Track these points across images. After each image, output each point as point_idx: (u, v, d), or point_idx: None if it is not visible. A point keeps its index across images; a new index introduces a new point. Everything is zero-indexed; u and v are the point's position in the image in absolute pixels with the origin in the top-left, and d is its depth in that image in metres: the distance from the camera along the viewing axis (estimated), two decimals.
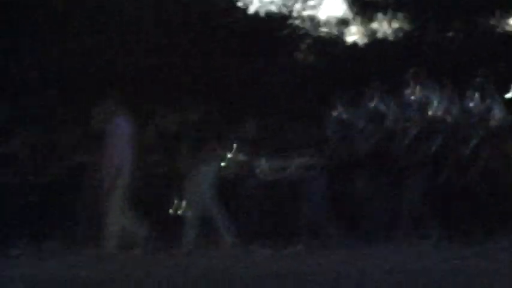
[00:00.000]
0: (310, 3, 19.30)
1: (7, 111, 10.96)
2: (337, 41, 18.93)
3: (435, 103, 9.73)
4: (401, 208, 9.77)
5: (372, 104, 10.02)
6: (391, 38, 18.40)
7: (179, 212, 9.63)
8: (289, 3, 19.17)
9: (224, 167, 10.06)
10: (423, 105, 9.82)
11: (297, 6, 19.25)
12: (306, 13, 19.32)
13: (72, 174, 10.29)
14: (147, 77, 15.96)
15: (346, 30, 19.20)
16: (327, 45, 18.77)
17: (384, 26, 18.73)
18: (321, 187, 10.24)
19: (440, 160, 9.74)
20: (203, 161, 9.42)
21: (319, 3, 19.26)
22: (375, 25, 18.85)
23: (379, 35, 18.68)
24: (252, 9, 19.40)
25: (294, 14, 19.26)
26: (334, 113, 10.43)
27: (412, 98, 9.88)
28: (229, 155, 10.18)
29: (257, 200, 10.07)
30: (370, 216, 10.01)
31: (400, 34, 18.25)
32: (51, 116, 11.80)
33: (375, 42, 18.38)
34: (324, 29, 19.25)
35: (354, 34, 19.16)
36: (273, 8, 19.31)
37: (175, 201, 9.76)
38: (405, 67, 11.05)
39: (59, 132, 11.16)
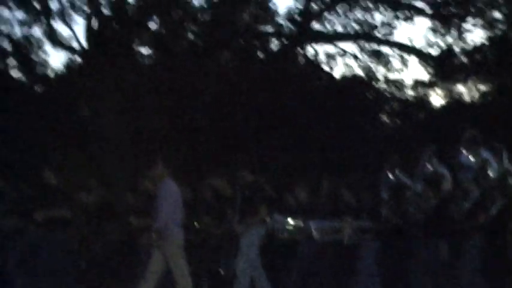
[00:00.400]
0: (395, 66, 19.83)
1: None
2: (421, 103, 19.48)
3: (494, 166, 9.46)
4: (459, 276, 9.44)
5: (430, 167, 9.80)
6: (474, 100, 18.60)
7: (230, 274, 9.49)
8: (374, 66, 19.82)
9: (277, 229, 9.94)
10: (481, 168, 9.50)
11: (382, 69, 19.81)
12: (391, 76, 19.90)
13: (128, 237, 10.45)
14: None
15: (430, 93, 19.77)
16: (411, 107, 19.34)
17: (468, 89, 19.14)
18: (374, 251, 10.07)
19: (499, 225, 9.43)
20: (254, 223, 9.24)
21: (404, 67, 19.74)
22: (459, 88, 19.34)
23: (463, 97, 19.04)
24: (337, 73, 20.61)
25: (379, 76, 19.88)
26: (391, 176, 10.22)
27: (470, 160, 9.57)
28: (281, 217, 10.03)
29: (310, 262, 10.02)
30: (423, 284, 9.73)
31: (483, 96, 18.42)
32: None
33: (458, 105, 18.67)
34: (409, 92, 19.86)
35: (438, 96, 19.65)
36: (359, 71, 20.02)
37: (226, 263, 9.72)
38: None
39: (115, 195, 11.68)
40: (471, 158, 9.41)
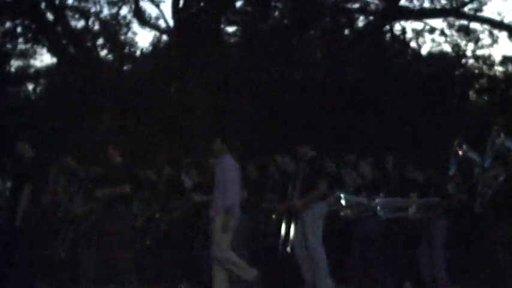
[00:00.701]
0: (484, 42, 19.75)
1: None
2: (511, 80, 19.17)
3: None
4: None
5: (499, 142, 9.49)
6: None
7: (288, 250, 9.26)
8: (463, 43, 19.74)
9: (341, 205, 9.85)
10: None
11: (471, 45, 19.75)
12: (479, 52, 19.83)
13: (193, 214, 10.47)
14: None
15: None
16: (500, 83, 19.12)
17: None
18: (442, 229, 9.93)
19: None
20: (316, 200, 9.08)
21: (493, 43, 19.64)
22: None
23: None
24: (425, 50, 20.54)
25: (468, 53, 19.79)
26: (460, 152, 9.99)
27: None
28: (343, 194, 9.92)
29: (375, 239, 9.87)
30: (493, 263, 9.65)
31: None
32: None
33: None
34: (498, 68, 19.76)
35: None
36: (446, 48, 20.01)
37: (284, 239, 9.39)
38: None
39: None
40: None
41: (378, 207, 9.70)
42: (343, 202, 9.85)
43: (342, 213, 9.92)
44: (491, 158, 9.49)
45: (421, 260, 9.94)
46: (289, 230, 9.27)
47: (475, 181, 9.86)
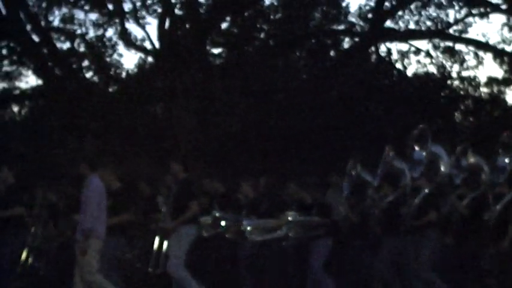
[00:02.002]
0: (470, 63, 20.34)
1: None
2: (497, 101, 19.84)
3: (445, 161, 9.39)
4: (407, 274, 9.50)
5: (390, 162, 9.63)
6: None
7: (158, 271, 9.41)
8: (448, 64, 20.31)
9: (210, 226, 9.89)
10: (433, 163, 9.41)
11: (456, 67, 20.30)
12: (465, 73, 20.36)
13: None
14: None
15: (507, 91, 20.15)
16: (485, 104, 19.73)
17: None
18: (324, 250, 9.87)
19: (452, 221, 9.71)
20: (186, 221, 9.09)
21: (479, 64, 20.25)
22: None
23: None
24: (410, 71, 20.65)
25: (453, 74, 20.31)
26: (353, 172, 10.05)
27: (421, 155, 9.40)
28: (217, 214, 9.96)
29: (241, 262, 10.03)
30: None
31: None
32: None
33: None
34: (483, 89, 20.27)
35: None
36: (432, 69, 20.44)
37: (155, 260, 9.53)
38: None
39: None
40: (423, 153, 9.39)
41: (248, 228, 9.63)
42: (223, 223, 9.91)
43: (208, 234, 10.02)
44: (380, 177, 9.65)
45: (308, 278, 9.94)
46: (160, 251, 9.44)
47: (364, 201, 9.99)
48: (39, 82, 20.42)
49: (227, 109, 18.09)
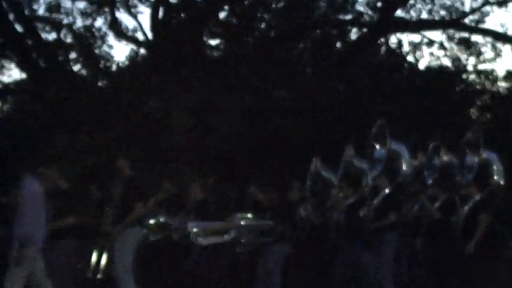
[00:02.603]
0: (486, 56, 19.94)
1: None
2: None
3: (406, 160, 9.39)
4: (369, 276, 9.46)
5: (350, 161, 9.64)
6: None
7: (99, 276, 9.15)
8: (463, 57, 19.86)
9: (156, 229, 9.77)
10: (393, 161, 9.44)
11: (472, 59, 19.90)
12: (481, 67, 19.99)
13: None
14: None
15: None
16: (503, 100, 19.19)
17: None
18: (278, 256, 9.69)
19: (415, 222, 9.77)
20: (128, 224, 8.78)
21: (496, 56, 19.85)
22: None
23: None
24: (422, 64, 20.79)
25: (469, 68, 19.87)
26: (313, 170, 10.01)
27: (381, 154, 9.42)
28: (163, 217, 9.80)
29: (192, 264, 9.88)
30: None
31: None
32: None
33: None
34: (501, 84, 19.90)
35: None
36: (446, 62, 20.11)
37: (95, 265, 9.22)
38: None
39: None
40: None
41: (194, 231, 9.40)
42: (167, 225, 9.78)
43: (153, 237, 9.85)
44: (340, 177, 9.55)
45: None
46: (101, 256, 9.16)
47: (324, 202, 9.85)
48: (23, 76, 20.16)
49: (226, 106, 17.62)
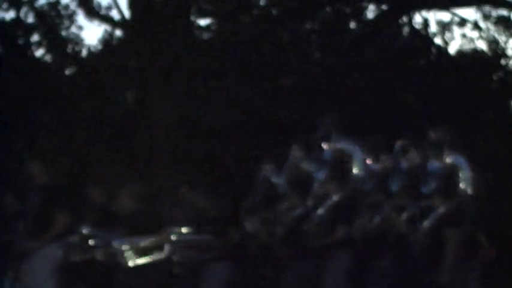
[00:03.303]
0: None
1: None
2: None
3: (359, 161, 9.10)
4: None
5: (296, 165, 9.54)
6: None
7: None
8: (502, 39, 19.04)
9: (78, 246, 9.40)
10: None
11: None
12: None
13: None
14: None
15: None
16: None
17: None
18: (219, 277, 9.53)
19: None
20: (50, 240, 8.77)
21: None
22: None
23: None
24: (453, 48, 19.86)
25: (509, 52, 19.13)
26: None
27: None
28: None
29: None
30: None
31: None
32: None
33: None
34: None
35: None
36: (481, 46, 19.35)
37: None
38: None
39: None
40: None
41: (121, 248, 9.20)
42: (91, 242, 9.41)
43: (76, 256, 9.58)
44: (288, 184, 9.52)
45: None
46: (17, 278, 8.96)
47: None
48: None
49: (217, 97, 17.17)
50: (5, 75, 17.29)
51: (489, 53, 19.04)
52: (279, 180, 9.66)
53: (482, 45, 19.31)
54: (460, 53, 19.41)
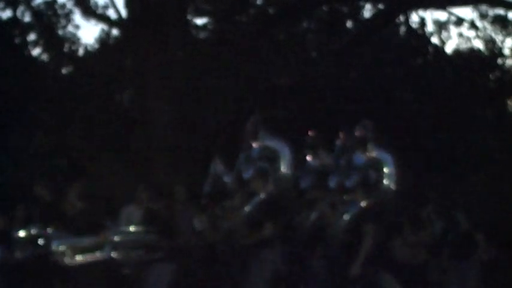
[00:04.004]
0: None
1: None
2: None
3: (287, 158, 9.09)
4: None
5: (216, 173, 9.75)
6: None
7: None
8: (499, 38, 19.05)
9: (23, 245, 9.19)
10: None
11: (509, 41, 19.55)
12: None
13: None
14: None
15: None
16: None
17: None
18: (162, 279, 9.33)
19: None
20: None
21: None
22: None
23: None
24: (450, 47, 20.16)
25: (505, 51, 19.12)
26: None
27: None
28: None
29: None
30: None
31: None
32: None
33: None
34: None
35: None
36: (478, 45, 19.53)
37: None
38: None
39: None
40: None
41: (60, 249, 8.85)
42: (39, 241, 9.15)
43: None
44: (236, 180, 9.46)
45: None
46: None
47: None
48: None
49: (214, 96, 17.01)
50: (2, 74, 17.06)
51: (486, 52, 19.04)
52: (227, 178, 9.65)
53: (479, 44, 19.80)
54: (457, 52, 19.40)
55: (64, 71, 19.33)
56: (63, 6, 18.67)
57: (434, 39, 19.56)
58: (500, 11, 18.94)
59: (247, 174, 9.03)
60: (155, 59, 16.51)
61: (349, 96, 16.89)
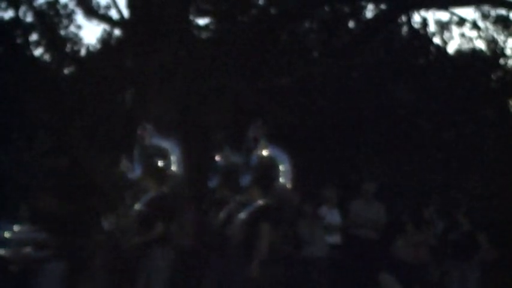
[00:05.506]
0: None
1: None
2: None
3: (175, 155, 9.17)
4: None
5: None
6: None
7: None
8: (501, 39, 18.94)
9: None
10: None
11: (511, 41, 19.50)
12: None
13: None
14: None
15: None
16: None
17: None
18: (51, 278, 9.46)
19: None
20: None
21: None
22: None
23: None
24: (452, 47, 19.91)
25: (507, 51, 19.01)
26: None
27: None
28: None
29: None
30: None
31: None
32: None
33: None
34: None
35: None
36: (480, 45, 19.29)
37: None
38: None
39: None
40: None
41: None
42: None
43: None
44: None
45: None
46: None
47: None
48: None
49: (216, 96, 16.86)
50: (4, 74, 17.13)
51: (488, 53, 18.94)
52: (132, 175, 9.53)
53: (481, 44, 19.33)
54: (459, 52, 19.32)
55: (66, 71, 19.15)
56: (65, 6, 18.51)
57: (436, 40, 19.30)
58: (503, 11, 18.76)
59: (134, 174, 9.03)
60: (157, 59, 16.37)
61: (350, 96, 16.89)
